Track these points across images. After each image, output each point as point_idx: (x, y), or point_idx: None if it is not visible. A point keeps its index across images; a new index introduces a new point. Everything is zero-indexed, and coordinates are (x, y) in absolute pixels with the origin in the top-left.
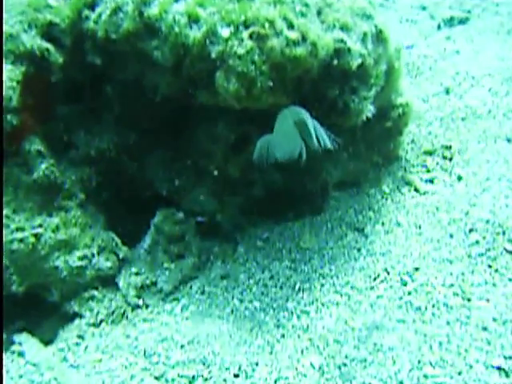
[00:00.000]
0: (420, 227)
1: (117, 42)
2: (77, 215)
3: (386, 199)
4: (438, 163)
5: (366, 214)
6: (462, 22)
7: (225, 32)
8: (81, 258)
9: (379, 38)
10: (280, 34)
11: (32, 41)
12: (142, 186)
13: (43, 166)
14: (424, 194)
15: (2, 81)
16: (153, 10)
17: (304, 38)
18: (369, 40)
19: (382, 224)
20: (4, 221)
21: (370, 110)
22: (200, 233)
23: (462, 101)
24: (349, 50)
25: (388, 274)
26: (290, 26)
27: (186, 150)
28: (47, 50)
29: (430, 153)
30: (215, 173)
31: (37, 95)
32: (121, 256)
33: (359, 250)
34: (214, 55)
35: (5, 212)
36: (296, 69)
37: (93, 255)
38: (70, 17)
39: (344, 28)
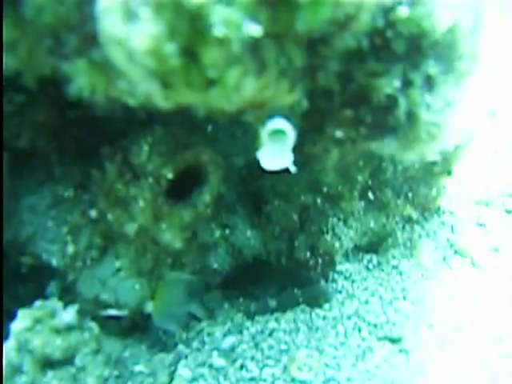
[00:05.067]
0: (501, 340)
1: None
2: None
3: (429, 279)
4: (500, 220)
5: (400, 309)
6: None
7: None
8: None
9: None
10: None
11: None
12: (12, 249)
13: None
14: (489, 271)
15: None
16: None
17: None
18: None
19: (430, 327)
20: None
21: (457, 132)
22: (111, 338)
23: None
24: None
25: None
26: None
27: (91, 190)
28: None
29: (485, 203)
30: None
31: None
32: None
33: None
34: None
35: None
36: (321, 1)
37: None
38: None
39: None
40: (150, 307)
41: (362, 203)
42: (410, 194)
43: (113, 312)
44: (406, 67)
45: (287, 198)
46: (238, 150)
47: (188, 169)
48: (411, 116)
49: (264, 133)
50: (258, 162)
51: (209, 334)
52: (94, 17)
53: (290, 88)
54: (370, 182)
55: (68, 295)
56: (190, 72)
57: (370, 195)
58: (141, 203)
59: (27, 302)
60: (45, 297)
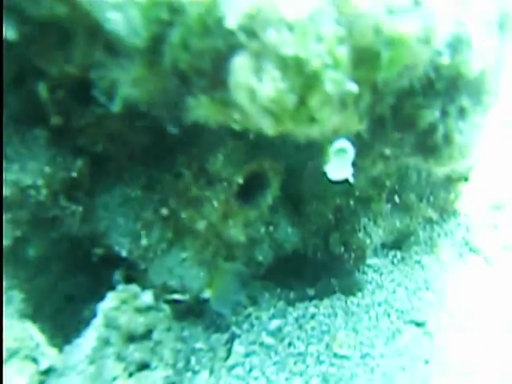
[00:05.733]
0: (510, 325)
1: None
2: None
3: (447, 273)
4: (510, 221)
5: (423, 297)
6: None
7: None
8: None
9: (503, 24)
10: None
11: None
12: (88, 240)
13: None
14: (500, 267)
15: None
16: None
17: (417, 2)
18: (494, 26)
19: (449, 313)
20: None
21: (477, 150)
22: (176, 319)
23: None
24: (469, 41)
25: None
26: None
27: (162, 190)
28: None
29: (497, 207)
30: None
31: None
32: (44, 366)
33: (427, 361)
34: (232, 22)
35: None
36: (396, 62)
37: None
38: None
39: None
40: (207, 293)
41: (389, 205)
42: (431, 198)
43: (177, 296)
44: (444, 101)
45: (323, 199)
46: (279, 157)
47: (253, 175)
48: (447, 139)
49: (331, 150)
50: (325, 173)
51: (256, 318)
52: (226, 68)
53: (360, 119)
54: (396, 187)
55: (133, 282)
56: (299, 112)
57: (396, 198)
58: (215, 204)
59: (94, 288)
60: (111, 283)
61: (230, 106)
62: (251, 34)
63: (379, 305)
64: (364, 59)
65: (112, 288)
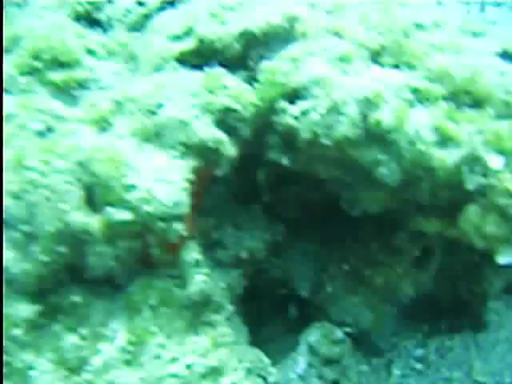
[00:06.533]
0: None
1: (328, 147)
2: (224, 332)
3: None
4: None
5: None
6: None
7: (495, 161)
8: None
9: None
10: None
11: (206, 130)
12: (278, 282)
13: (200, 279)
14: None
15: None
16: (384, 117)
17: None
18: None
19: None
20: (157, 349)
21: None
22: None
23: None
24: None
25: None
26: None
27: (340, 249)
28: (221, 141)
29: None
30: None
31: (200, 192)
32: (270, 381)
33: None
34: (470, 186)
35: (158, 339)
36: None
37: (240, 380)
38: (258, 106)
39: None
40: (369, 326)
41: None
42: None
43: (348, 329)
44: None
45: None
46: None
47: (424, 249)
48: None
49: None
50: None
51: (404, 347)
52: (457, 208)
53: None
54: None
55: (307, 317)
56: (505, 239)
57: None
58: (396, 268)
59: (272, 318)
60: (287, 316)
61: (453, 227)
62: (483, 194)
63: (503, 341)
64: None
65: (285, 318)
